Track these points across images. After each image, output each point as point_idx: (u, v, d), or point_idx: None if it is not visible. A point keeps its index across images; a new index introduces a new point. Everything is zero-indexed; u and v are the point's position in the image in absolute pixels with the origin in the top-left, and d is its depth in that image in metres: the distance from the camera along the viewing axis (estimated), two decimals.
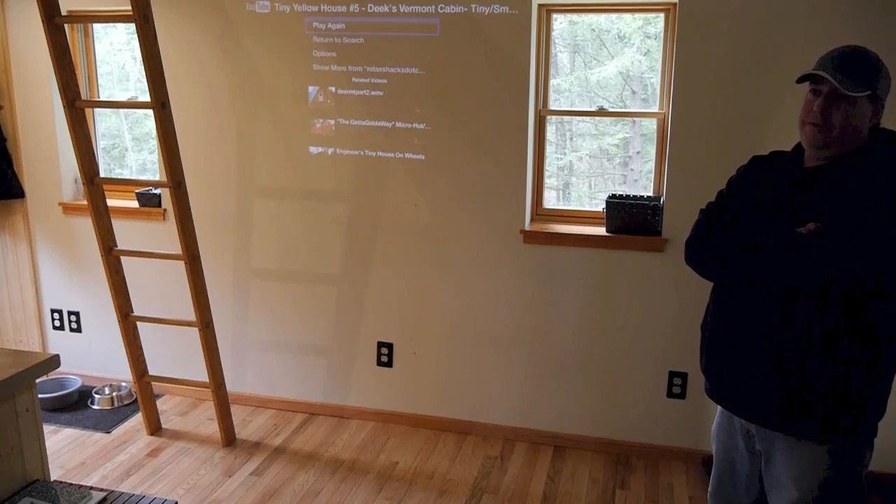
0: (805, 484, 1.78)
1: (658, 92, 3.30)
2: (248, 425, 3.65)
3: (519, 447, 3.47)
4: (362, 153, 3.48)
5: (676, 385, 3.31)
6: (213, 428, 3.58)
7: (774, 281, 1.73)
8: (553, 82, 3.43)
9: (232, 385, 3.79)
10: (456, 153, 3.37)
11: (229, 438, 3.47)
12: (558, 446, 3.48)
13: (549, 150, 3.45)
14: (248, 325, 3.81)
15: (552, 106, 3.48)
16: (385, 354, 3.65)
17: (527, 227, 3.39)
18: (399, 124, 3.41)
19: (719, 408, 2.02)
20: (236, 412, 3.72)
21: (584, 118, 6.44)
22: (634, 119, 5.87)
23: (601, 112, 3.82)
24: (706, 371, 1.97)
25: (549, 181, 3.50)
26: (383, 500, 3.01)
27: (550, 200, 3.55)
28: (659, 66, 3.30)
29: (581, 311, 3.37)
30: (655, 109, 3.31)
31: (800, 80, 1.76)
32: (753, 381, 1.81)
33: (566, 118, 5.87)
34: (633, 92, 6.59)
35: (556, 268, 3.36)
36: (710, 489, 2.11)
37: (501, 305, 3.45)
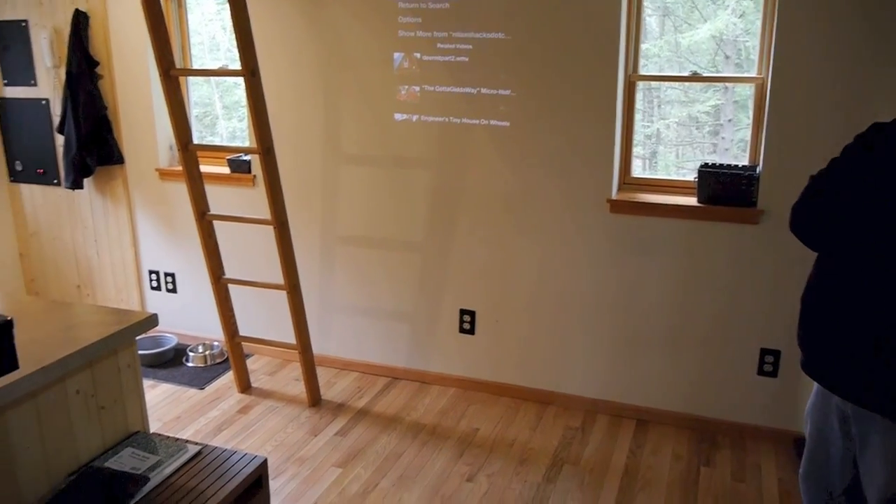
0: None
1: (756, 56, 3.14)
2: (332, 387, 3.75)
3: (600, 419, 3.44)
4: (447, 120, 3.46)
5: (768, 363, 3.20)
6: (299, 388, 3.69)
7: (883, 254, 1.63)
8: (642, 47, 3.32)
9: (318, 347, 3.89)
10: (541, 120, 3.31)
11: (315, 399, 3.57)
12: (641, 420, 3.42)
13: (637, 117, 3.35)
14: (333, 289, 3.89)
15: (641, 71, 3.36)
16: (467, 322, 3.67)
17: (614, 196, 3.31)
18: (484, 91, 3.37)
19: (815, 387, 1.94)
20: (321, 374, 3.82)
21: (673, 84, 6.21)
22: (727, 85, 5.63)
23: (694, 77, 3.67)
24: (803, 344, 1.88)
25: (635, 150, 3.40)
26: (463, 466, 3.05)
27: (637, 169, 3.45)
28: (756, 27, 3.13)
29: (669, 284, 3.28)
30: (752, 74, 3.16)
31: None
32: (853, 358, 1.72)
33: (654, 84, 5.68)
34: (727, 56, 6.31)
35: (643, 238, 3.27)
36: (801, 471, 2.04)
37: (586, 275, 3.40)
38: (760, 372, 3.22)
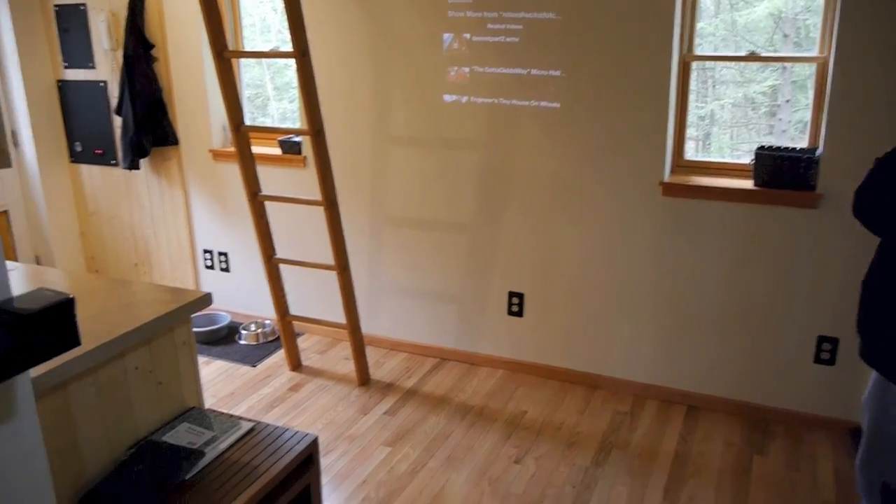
0: None
1: (817, 34, 3.03)
2: (381, 366, 3.78)
3: (650, 404, 3.40)
4: (496, 101, 3.43)
5: (825, 351, 3.11)
6: (349, 367, 3.74)
7: None
8: (697, 26, 3.23)
9: (367, 327, 3.93)
10: (592, 101, 3.26)
11: (364, 378, 3.61)
12: (692, 406, 3.38)
13: (690, 98, 3.27)
14: (382, 269, 3.92)
15: (696, 51, 3.27)
16: (516, 304, 3.65)
17: (666, 178, 3.25)
18: (534, 72, 3.33)
19: (873, 375, 1.88)
20: (371, 353, 3.86)
21: (729, 64, 6.05)
22: (785, 65, 5.45)
23: (752, 57, 3.55)
24: (862, 331, 1.83)
25: (688, 131, 3.33)
26: (511, 448, 3.05)
27: (689, 152, 3.37)
28: (818, 5, 3.01)
29: (723, 269, 3.21)
30: (813, 54, 3.05)
31: None
32: None
33: (708, 64, 5.53)
34: (785, 35, 6.11)
35: (697, 222, 3.21)
36: (858, 461, 1.99)
37: (637, 259, 3.35)
38: (817, 360, 3.14)
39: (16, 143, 4.36)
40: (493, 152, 3.51)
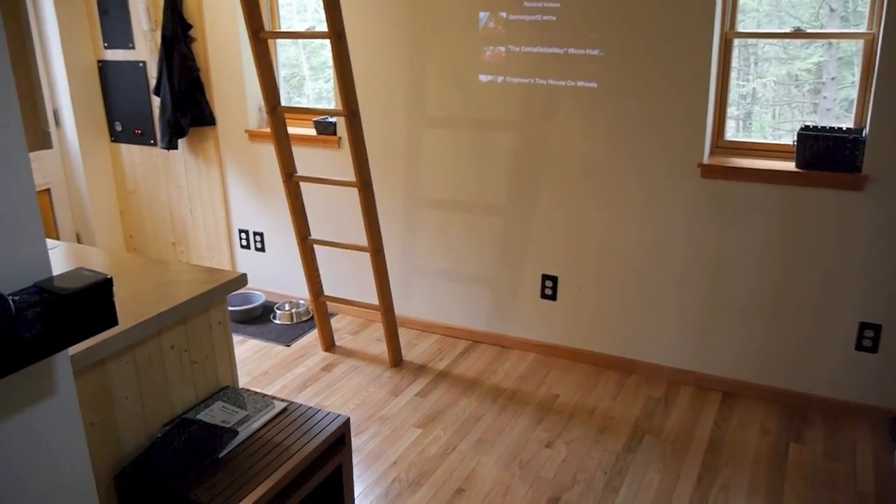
0: None
1: (866, 9, 2.92)
2: (413, 348, 3.79)
3: (684, 390, 3.36)
4: (532, 81, 3.39)
5: (867, 338, 3.04)
6: (381, 348, 3.76)
7: None
8: (739, 2, 3.14)
9: (399, 308, 3.94)
10: (631, 80, 3.20)
11: (396, 359, 3.63)
12: (727, 392, 3.33)
13: (731, 75, 3.19)
14: (416, 251, 3.92)
15: (739, 28, 3.19)
16: (549, 287, 3.63)
17: (705, 160, 3.18)
18: (571, 51, 3.27)
19: None
20: (403, 335, 3.88)
21: (772, 40, 5.89)
22: (831, 41, 5.30)
23: (798, 34, 3.45)
24: None
25: (729, 110, 3.25)
26: (542, 432, 3.04)
27: (730, 131, 3.29)
28: None
29: (763, 252, 3.14)
30: (862, 30, 2.94)
31: None
32: None
33: (750, 41, 5.39)
34: (832, 10, 5.91)
35: (736, 205, 3.14)
36: None
37: (674, 242, 3.30)
38: (859, 347, 3.07)
39: (58, 123, 4.44)
40: (529, 133, 3.47)
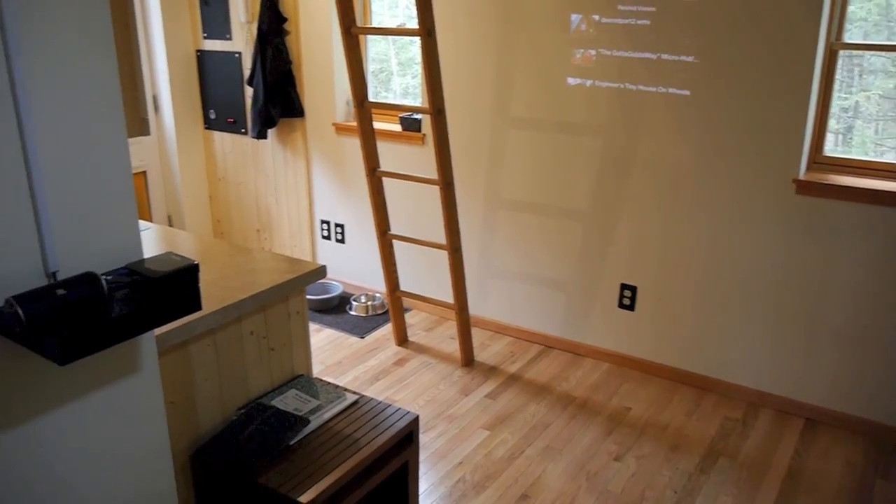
0: None
1: None
2: (486, 349, 3.78)
3: (764, 413, 3.23)
4: (622, 86, 3.32)
5: None
6: (453, 347, 3.76)
7: None
8: (848, 10, 2.99)
9: (474, 308, 3.93)
10: (726, 89, 3.08)
11: (468, 359, 3.62)
12: (811, 419, 3.18)
13: (834, 88, 3.04)
14: (493, 252, 3.90)
15: (845, 38, 3.03)
16: (628, 297, 3.55)
17: (801, 176, 3.04)
18: (665, 56, 3.18)
19: None
20: (476, 335, 3.87)
21: (879, 53, 5.60)
22: None
23: None
24: None
25: (829, 124, 3.10)
26: (612, 445, 2.98)
27: (828, 145, 3.14)
28: None
29: (860, 276, 2.98)
30: None
31: None
32: None
33: (855, 52, 5.14)
34: None
35: (834, 225, 2.99)
36: None
37: (763, 260, 3.17)
38: None
39: (156, 108, 4.63)
40: (615, 139, 3.40)
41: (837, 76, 3.08)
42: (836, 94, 3.15)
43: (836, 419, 3.14)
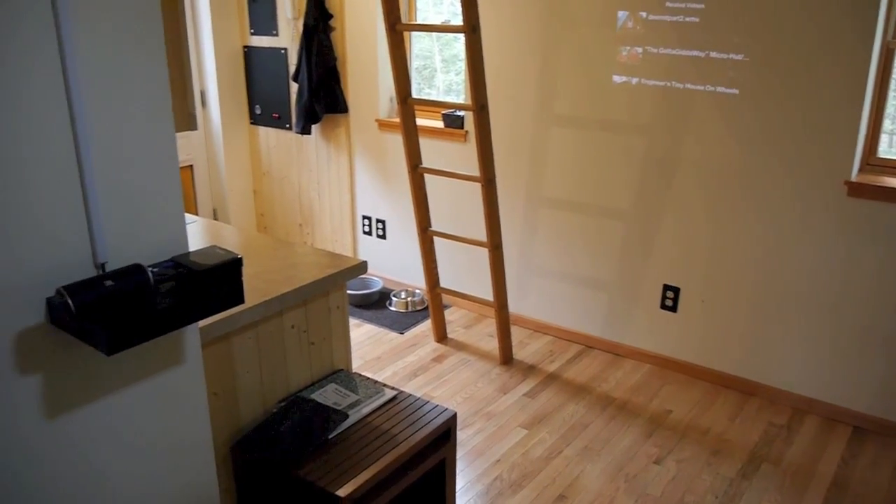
0: None
1: None
2: (525, 347, 3.76)
3: (810, 420, 3.15)
4: (669, 84, 3.26)
5: None
6: (492, 345, 3.75)
7: None
8: None
9: (514, 306, 3.92)
10: (776, 88, 3.01)
11: (507, 357, 3.61)
12: (858, 427, 3.09)
13: (890, 87, 2.94)
14: (534, 250, 3.88)
15: None
16: (670, 298, 3.50)
17: (853, 177, 2.96)
18: (713, 54, 3.12)
19: None
20: (515, 333, 3.85)
21: None
22: None
23: None
24: None
25: (884, 125, 3.00)
26: (652, 447, 2.94)
27: (882, 146, 3.04)
28: None
29: None
30: None
31: None
32: None
33: None
34: None
35: (887, 228, 2.90)
36: None
37: (810, 263, 3.09)
38: None
39: (203, 103, 4.71)
40: (661, 138, 3.35)
41: (894, 75, 2.99)
42: (891, 94, 3.05)
43: (885, 427, 3.05)
